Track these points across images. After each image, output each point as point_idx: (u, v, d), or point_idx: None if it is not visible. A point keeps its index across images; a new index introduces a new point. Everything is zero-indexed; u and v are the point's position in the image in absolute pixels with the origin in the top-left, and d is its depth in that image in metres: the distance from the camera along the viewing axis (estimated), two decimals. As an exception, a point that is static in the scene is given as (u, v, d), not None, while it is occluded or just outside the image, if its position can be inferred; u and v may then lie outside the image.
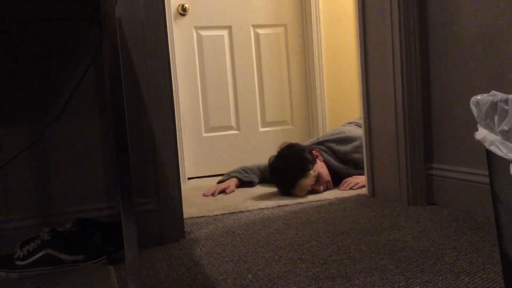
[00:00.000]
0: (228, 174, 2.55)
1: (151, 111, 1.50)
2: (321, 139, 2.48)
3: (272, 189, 2.33)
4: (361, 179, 2.20)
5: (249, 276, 1.18)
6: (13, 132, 1.42)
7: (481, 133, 0.79)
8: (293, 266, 1.22)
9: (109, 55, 0.97)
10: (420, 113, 1.79)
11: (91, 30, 1.46)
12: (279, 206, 1.94)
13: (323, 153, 2.37)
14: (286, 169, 2.18)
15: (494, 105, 0.77)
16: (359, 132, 2.36)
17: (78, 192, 1.47)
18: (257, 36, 3.09)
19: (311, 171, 2.16)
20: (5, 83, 1.41)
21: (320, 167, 2.23)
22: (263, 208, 1.92)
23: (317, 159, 2.27)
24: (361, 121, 2.24)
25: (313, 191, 2.18)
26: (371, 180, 2.01)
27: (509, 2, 1.44)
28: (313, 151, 2.29)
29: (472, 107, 0.82)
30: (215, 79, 3.00)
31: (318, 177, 2.21)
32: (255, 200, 2.08)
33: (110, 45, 0.97)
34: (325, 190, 2.24)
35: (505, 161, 0.75)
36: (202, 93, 2.98)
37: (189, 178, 2.90)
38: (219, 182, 2.50)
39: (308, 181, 2.15)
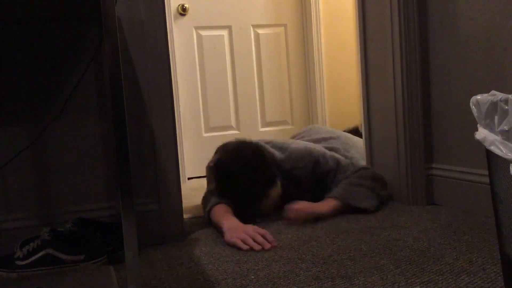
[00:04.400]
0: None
1: (151, 111, 1.50)
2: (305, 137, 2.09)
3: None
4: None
5: (252, 277, 1.18)
6: (13, 132, 1.42)
7: (481, 133, 0.79)
8: (293, 266, 1.22)
9: (109, 55, 0.97)
10: (420, 113, 1.79)
11: (91, 30, 1.46)
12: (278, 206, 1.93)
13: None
14: (250, 177, 1.66)
15: (494, 105, 0.76)
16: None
17: (78, 192, 1.47)
18: (257, 36, 3.09)
19: (277, 178, 1.75)
20: (5, 83, 1.41)
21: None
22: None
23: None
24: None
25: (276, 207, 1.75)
26: (371, 180, 2.01)
27: (509, 2, 1.44)
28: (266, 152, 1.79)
29: (472, 107, 0.82)
30: (215, 79, 3.00)
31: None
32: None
33: (110, 45, 0.97)
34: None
35: (505, 161, 0.75)
36: (202, 93, 2.98)
37: (189, 178, 2.90)
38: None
39: (277, 191, 1.75)
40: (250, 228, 1.47)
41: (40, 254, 1.26)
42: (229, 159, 1.72)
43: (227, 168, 1.70)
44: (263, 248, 1.39)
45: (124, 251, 0.98)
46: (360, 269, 1.17)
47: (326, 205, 1.71)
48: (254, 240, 1.42)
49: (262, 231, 1.46)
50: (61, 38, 1.44)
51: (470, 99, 0.83)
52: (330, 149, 1.99)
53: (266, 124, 3.12)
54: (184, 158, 2.86)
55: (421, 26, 1.77)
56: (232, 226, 1.51)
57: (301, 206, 1.67)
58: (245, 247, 1.40)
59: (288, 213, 1.65)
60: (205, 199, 1.78)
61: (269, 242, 1.42)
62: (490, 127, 0.78)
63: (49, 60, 1.44)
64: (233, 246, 1.43)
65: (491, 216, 0.88)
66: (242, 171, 1.67)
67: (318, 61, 3.16)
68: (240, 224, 1.52)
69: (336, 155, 1.91)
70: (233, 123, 3.05)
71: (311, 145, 1.93)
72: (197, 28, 2.95)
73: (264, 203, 1.72)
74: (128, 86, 1.47)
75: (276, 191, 1.73)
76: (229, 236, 1.46)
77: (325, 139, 2.10)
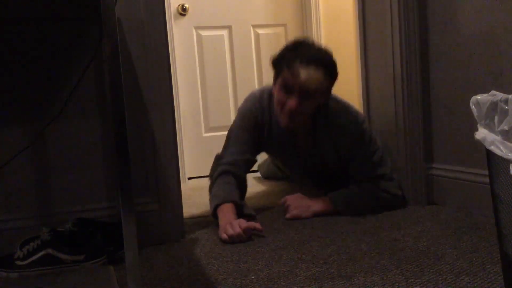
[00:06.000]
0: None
1: (151, 111, 1.50)
2: None
3: (270, 189, 2.32)
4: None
5: (252, 277, 1.18)
6: (12, 132, 1.42)
7: (481, 133, 0.79)
8: (293, 266, 1.22)
9: (109, 55, 0.97)
10: (420, 113, 1.79)
11: (91, 30, 1.46)
12: (278, 206, 1.93)
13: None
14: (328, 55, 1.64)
15: (494, 105, 0.77)
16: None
17: (78, 192, 1.47)
18: (257, 36, 3.09)
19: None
20: (5, 83, 1.41)
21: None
22: (263, 208, 1.91)
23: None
24: None
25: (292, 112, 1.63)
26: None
27: (509, 3, 1.44)
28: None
29: (472, 107, 0.82)
30: (215, 79, 3.00)
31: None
32: (254, 200, 2.08)
33: (110, 45, 0.97)
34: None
35: (505, 161, 0.75)
36: (202, 93, 2.98)
37: (189, 178, 2.89)
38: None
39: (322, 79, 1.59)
40: (237, 224, 1.49)
41: (40, 254, 1.26)
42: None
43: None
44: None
45: (124, 251, 0.98)
46: (360, 269, 1.17)
47: (320, 205, 1.73)
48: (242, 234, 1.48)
49: (247, 224, 1.49)
50: (61, 38, 1.44)
51: (470, 99, 0.83)
52: None
53: (266, 124, 3.12)
54: (184, 158, 2.86)
55: (421, 26, 1.77)
56: (223, 223, 1.54)
57: (296, 204, 1.73)
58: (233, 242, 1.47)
59: (285, 204, 1.75)
60: (212, 184, 1.77)
61: (258, 229, 1.50)
62: (490, 127, 0.78)
63: (49, 60, 1.44)
64: (224, 242, 1.48)
65: (491, 216, 0.88)
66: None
67: (318, 61, 3.15)
68: (230, 220, 1.54)
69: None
70: (233, 123, 3.04)
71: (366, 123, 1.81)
72: (197, 28, 2.95)
73: (310, 102, 1.62)
74: (128, 86, 1.47)
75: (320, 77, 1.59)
76: (220, 233, 1.52)
77: None
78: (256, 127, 1.82)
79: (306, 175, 1.99)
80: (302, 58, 1.58)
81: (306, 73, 1.57)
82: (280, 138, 1.82)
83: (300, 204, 1.74)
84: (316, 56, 1.60)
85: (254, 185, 2.48)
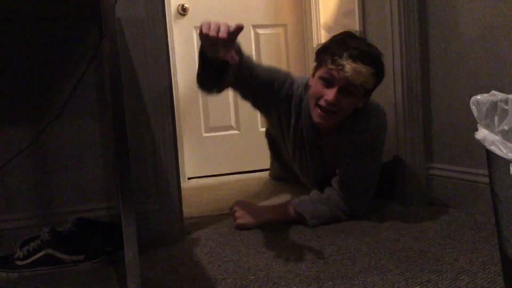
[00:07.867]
0: None
1: (151, 111, 1.50)
2: None
3: (271, 188, 2.32)
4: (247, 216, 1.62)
5: (252, 277, 1.18)
6: (12, 131, 1.42)
7: (481, 133, 0.79)
8: (293, 266, 1.22)
9: (109, 55, 0.97)
10: (420, 113, 1.79)
11: (91, 29, 1.46)
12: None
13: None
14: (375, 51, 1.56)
15: (494, 105, 0.77)
16: None
17: (78, 192, 1.47)
18: (257, 36, 3.09)
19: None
20: (5, 83, 1.41)
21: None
22: (263, 208, 1.91)
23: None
24: None
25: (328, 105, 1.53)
26: (371, 180, 2.01)
27: (509, 2, 1.44)
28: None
29: (472, 107, 0.82)
30: (215, 79, 3.00)
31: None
32: (255, 200, 2.08)
33: (110, 45, 0.97)
34: None
35: (505, 161, 0.75)
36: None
37: (189, 178, 2.90)
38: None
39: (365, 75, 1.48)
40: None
41: (40, 254, 1.26)
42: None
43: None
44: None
45: (124, 251, 0.98)
46: (360, 269, 1.17)
47: (278, 214, 1.64)
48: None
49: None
50: (61, 38, 1.44)
51: (470, 99, 0.83)
52: None
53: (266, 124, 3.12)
54: (184, 158, 2.86)
55: (421, 26, 1.77)
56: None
57: (244, 212, 1.63)
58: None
59: (235, 209, 1.66)
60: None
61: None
62: (490, 127, 0.78)
63: (49, 60, 1.44)
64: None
65: (491, 216, 0.88)
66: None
67: (318, 61, 3.15)
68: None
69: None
70: (233, 123, 3.05)
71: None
72: (197, 28, 2.92)
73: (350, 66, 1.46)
74: (128, 86, 1.47)
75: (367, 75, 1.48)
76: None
77: None
78: (279, 98, 1.71)
79: (314, 175, 1.84)
80: (350, 52, 1.48)
81: (352, 67, 1.46)
82: (303, 132, 1.71)
83: (248, 212, 1.63)
84: (366, 52, 1.50)
85: (259, 185, 2.48)
